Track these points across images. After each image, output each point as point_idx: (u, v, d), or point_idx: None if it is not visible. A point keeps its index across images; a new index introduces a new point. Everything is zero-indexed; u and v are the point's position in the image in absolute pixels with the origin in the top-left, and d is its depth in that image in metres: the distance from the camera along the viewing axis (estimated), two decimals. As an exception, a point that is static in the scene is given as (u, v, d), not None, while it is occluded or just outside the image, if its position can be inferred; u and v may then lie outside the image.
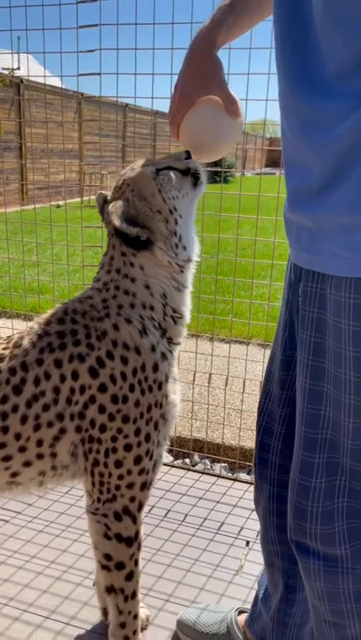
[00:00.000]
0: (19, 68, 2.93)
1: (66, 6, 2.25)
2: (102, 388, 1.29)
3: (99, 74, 2.30)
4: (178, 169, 1.37)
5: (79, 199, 4.03)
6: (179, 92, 1.27)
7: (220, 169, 2.46)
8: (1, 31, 2.40)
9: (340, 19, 0.86)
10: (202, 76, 1.24)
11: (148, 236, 1.32)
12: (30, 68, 2.76)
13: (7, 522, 2.10)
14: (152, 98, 2.33)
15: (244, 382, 2.54)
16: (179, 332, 1.43)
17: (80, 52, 2.30)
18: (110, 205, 1.31)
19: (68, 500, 2.24)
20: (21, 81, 9.65)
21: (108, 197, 1.41)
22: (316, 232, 0.97)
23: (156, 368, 1.35)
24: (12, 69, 2.80)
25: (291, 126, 1.00)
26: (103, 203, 1.44)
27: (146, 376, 1.33)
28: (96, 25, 2.23)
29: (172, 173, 1.35)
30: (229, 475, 2.54)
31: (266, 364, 1.38)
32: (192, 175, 1.38)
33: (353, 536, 1.08)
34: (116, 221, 1.28)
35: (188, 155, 1.38)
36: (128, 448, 1.33)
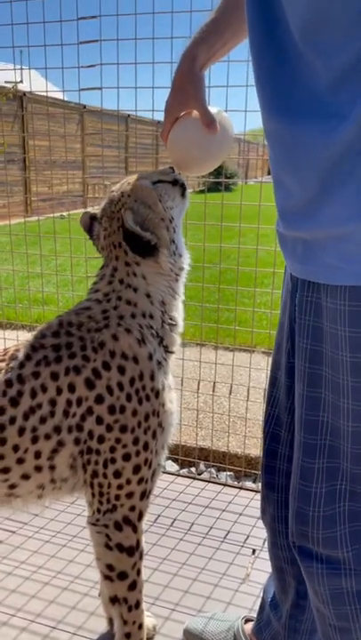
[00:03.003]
0: (22, 82, 2.98)
1: (67, 23, 2.29)
2: (99, 399, 1.31)
3: (100, 88, 2.34)
4: (168, 181, 1.44)
5: (82, 210, 4.06)
6: (165, 107, 1.31)
7: (221, 179, 2.48)
8: (3, 48, 2.44)
9: (319, 46, 0.88)
10: (182, 92, 1.28)
11: (156, 242, 1.36)
12: (33, 82, 2.80)
13: (14, 533, 2.11)
14: (152, 110, 2.37)
15: (248, 390, 2.55)
16: (174, 340, 1.46)
17: (81, 66, 2.34)
18: (122, 213, 1.35)
19: (75, 511, 2.25)
20: (24, 94, 9.77)
21: (98, 214, 1.46)
22: (310, 244, 0.99)
23: (153, 376, 1.37)
24: (16, 83, 2.84)
25: (273, 147, 1.02)
26: (90, 220, 1.48)
27: (143, 385, 1.35)
28: (96, 40, 2.27)
29: (165, 185, 1.43)
30: (235, 483, 2.54)
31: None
32: (180, 186, 1.46)
33: (355, 539, 1.09)
34: (132, 225, 1.32)
35: (172, 169, 1.46)
36: (127, 458, 1.34)
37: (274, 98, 0.98)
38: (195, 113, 1.31)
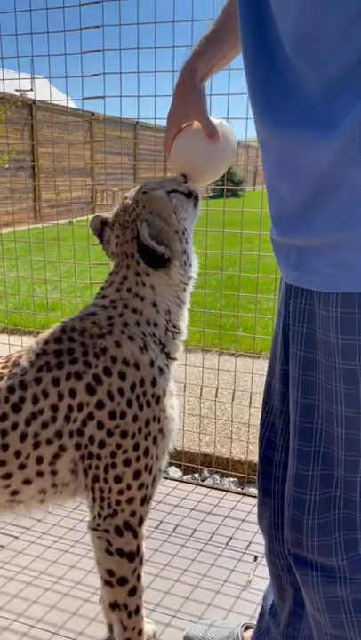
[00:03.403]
0: (32, 89, 3.03)
1: (70, 32, 2.33)
2: (100, 405, 1.32)
3: (103, 97, 2.37)
4: (183, 192, 1.44)
5: (90, 216, 4.09)
6: (167, 119, 1.33)
7: (225, 186, 2.49)
8: (7, 58, 2.47)
9: (309, 57, 0.89)
10: (184, 103, 1.30)
11: (169, 255, 1.37)
12: (43, 90, 2.84)
13: (17, 538, 2.12)
14: (155, 118, 2.40)
15: (250, 396, 2.55)
16: (177, 347, 1.47)
17: (85, 75, 2.36)
18: (139, 226, 1.35)
19: (77, 516, 2.26)
20: (34, 102, 9.87)
21: (110, 219, 1.46)
22: (304, 251, 1.00)
23: (154, 383, 1.37)
24: (25, 91, 2.89)
25: (265, 157, 1.03)
26: (101, 225, 1.49)
27: (144, 391, 1.35)
28: (100, 50, 2.30)
29: (179, 196, 1.43)
30: (238, 489, 2.54)
31: None
32: (193, 198, 1.46)
33: (350, 547, 1.09)
34: (147, 240, 1.33)
35: (185, 179, 1.44)
36: (127, 463, 1.35)
37: (267, 109, 0.99)
38: (197, 124, 1.32)
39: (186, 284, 1.45)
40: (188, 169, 1.39)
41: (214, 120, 1.32)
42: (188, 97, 1.29)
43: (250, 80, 1.02)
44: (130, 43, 2.21)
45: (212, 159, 1.36)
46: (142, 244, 1.35)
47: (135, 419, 1.34)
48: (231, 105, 2.20)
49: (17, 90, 3.01)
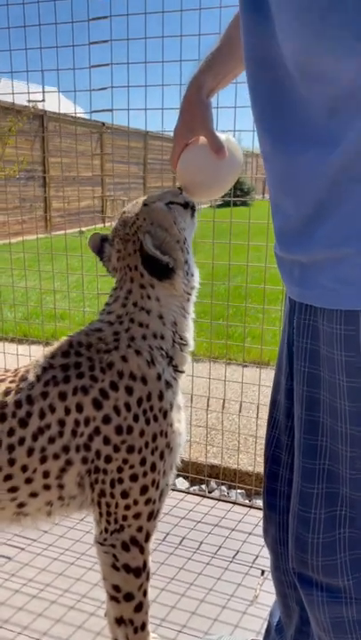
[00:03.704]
0: (44, 100, 3.08)
1: (79, 47, 2.35)
2: (106, 420, 1.32)
3: (111, 110, 2.39)
4: (179, 203, 1.45)
5: (99, 225, 4.12)
6: (174, 134, 1.33)
7: (231, 198, 2.50)
8: (17, 72, 2.50)
9: (312, 74, 0.89)
10: (190, 119, 1.31)
11: (173, 264, 1.37)
12: (53, 101, 2.87)
13: (23, 549, 2.12)
14: (162, 130, 2.41)
15: (258, 407, 2.54)
16: (184, 360, 1.46)
17: (93, 89, 2.39)
18: (142, 237, 1.36)
19: (84, 528, 2.25)
20: (45, 113, 9.96)
21: (109, 236, 1.47)
22: (307, 266, 0.99)
23: (161, 397, 1.37)
24: (36, 102, 2.94)
25: (269, 172, 1.03)
26: (100, 242, 1.50)
27: (151, 405, 1.35)
28: (108, 64, 2.32)
29: (177, 207, 1.44)
30: (245, 501, 2.53)
31: None
32: (190, 208, 1.47)
33: (356, 567, 1.07)
34: (151, 250, 1.34)
35: (181, 190, 1.46)
36: (134, 478, 1.35)
37: (270, 124, 0.99)
38: (203, 139, 1.33)
39: (189, 294, 1.45)
40: (193, 184, 1.40)
41: (221, 135, 1.33)
42: (195, 112, 1.30)
43: (253, 96, 1.02)
44: (138, 56, 2.24)
45: (217, 174, 1.36)
46: (146, 254, 1.35)
47: (142, 433, 1.34)
48: (238, 117, 2.21)
49: (28, 101, 3.04)
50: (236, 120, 2.21)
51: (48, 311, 3.99)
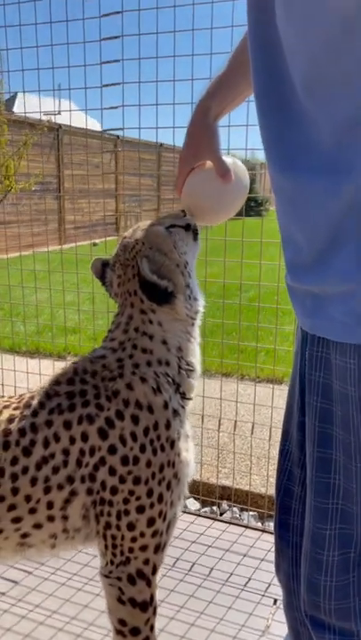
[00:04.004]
0: (59, 113, 3.11)
1: (90, 67, 2.36)
2: (112, 450, 1.29)
3: (122, 128, 2.39)
4: (181, 226, 1.42)
5: (113, 237, 4.13)
6: (180, 158, 1.31)
7: (242, 217, 2.47)
8: (30, 92, 2.51)
9: (321, 100, 0.86)
10: (196, 143, 1.29)
11: (172, 289, 1.34)
12: (67, 115, 2.88)
13: (30, 573, 2.09)
14: (174, 146, 2.41)
15: (270, 430, 2.49)
16: (191, 386, 1.43)
17: (104, 108, 2.39)
18: (139, 262, 1.34)
19: (92, 551, 2.21)
20: (60, 127, 10.06)
21: (110, 261, 1.45)
22: (319, 298, 0.96)
23: (168, 426, 1.34)
24: (52, 114, 2.97)
25: (280, 203, 1.00)
26: (102, 267, 1.47)
27: (158, 435, 1.32)
28: (120, 83, 2.32)
29: (178, 230, 1.41)
30: (258, 525, 2.47)
31: None
32: (192, 231, 1.44)
33: None
34: (148, 275, 1.31)
35: (184, 212, 1.43)
36: (141, 510, 1.31)
37: (280, 154, 0.96)
38: (208, 164, 1.31)
39: (194, 319, 1.42)
40: (199, 209, 1.37)
41: (227, 159, 1.30)
42: (201, 137, 1.27)
43: (262, 124, 1.00)
44: (149, 75, 2.24)
45: (224, 199, 1.34)
46: (144, 279, 1.33)
47: (149, 464, 1.30)
48: (250, 134, 2.19)
49: (44, 113, 3.06)
50: (247, 138, 2.19)
51: (59, 325, 3.98)
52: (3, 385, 3.13)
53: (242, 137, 2.17)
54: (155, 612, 1.40)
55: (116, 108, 2.30)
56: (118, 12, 2.20)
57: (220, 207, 1.36)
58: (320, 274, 0.94)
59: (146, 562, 1.35)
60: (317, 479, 1.03)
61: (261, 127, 1.00)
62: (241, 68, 1.23)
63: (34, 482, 1.29)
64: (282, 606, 1.93)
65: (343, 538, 1.02)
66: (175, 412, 1.37)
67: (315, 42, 0.85)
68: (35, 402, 1.34)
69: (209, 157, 1.29)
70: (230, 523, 2.46)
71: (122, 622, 1.38)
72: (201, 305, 1.45)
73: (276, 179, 0.99)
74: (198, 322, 1.45)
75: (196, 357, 1.44)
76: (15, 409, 1.35)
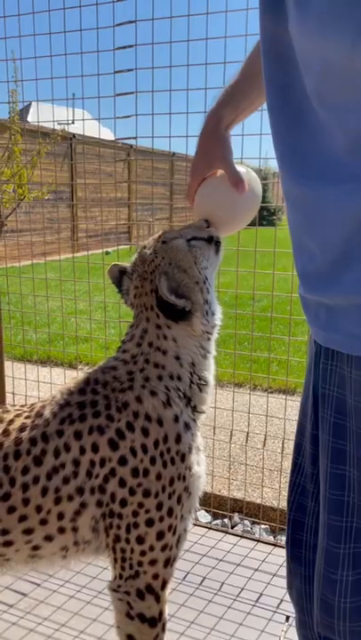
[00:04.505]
0: (73, 122, 3.13)
1: (104, 76, 2.36)
2: (122, 461, 1.27)
3: (135, 137, 2.39)
4: (203, 238, 1.38)
5: (125, 246, 4.13)
6: (190, 168, 1.30)
7: (255, 227, 2.45)
8: (44, 101, 2.53)
9: (334, 108, 0.85)
10: (208, 153, 1.27)
11: (190, 307, 1.32)
12: (80, 124, 2.90)
13: (39, 585, 2.07)
14: (186, 155, 2.40)
15: (283, 442, 2.45)
16: (203, 400, 1.40)
17: (117, 117, 2.39)
18: (158, 280, 1.30)
19: (101, 564, 2.19)
20: (74, 136, 10.15)
21: (128, 269, 1.42)
22: (333, 310, 0.93)
23: (178, 439, 1.31)
24: (65, 123, 2.99)
25: (293, 212, 0.98)
26: (120, 274, 1.45)
27: (168, 447, 1.30)
28: (133, 92, 2.32)
29: (200, 243, 1.37)
30: (270, 539, 2.43)
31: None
32: (215, 243, 1.40)
33: None
34: (167, 295, 1.28)
35: (207, 223, 1.39)
36: (150, 523, 1.29)
37: (293, 163, 0.94)
38: (220, 172, 1.29)
39: (210, 334, 1.38)
40: (211, 219, 1.35)
41: (240, 169, 1.28)
42: (213, 146, 1.26)
43: (275, 133, 0.98)
44: (162, 84, 2.24)
45: (236, 209, 1.31)
46: (161, 298, 1.30)
47: (159, 477, 1.28)
48: (264, 143, 2.18)
49: (58, 122, 3.08)
50: (261, 146, 2.17)
51: (71, 334, 3.98)
52: (14, 393, 3.12)
53: (255, 146, 2.15)
54: (164, 629, 1.37)
55: (129, 117, 2.30)
56: (132, 22, 2.20)
57: (233, 217, 1.34)
58: (333, 285, 0.91)
59: (155, 576, 1.33)
60: (331, 496, 1.00)
61: (274, 136, 0.98)
62: (252, 77, 1.22)
63: (45, 492, 1.27)
64: (294, 623, 1.89)
65: (358, 557, 0.98)
66: (187, 426, 1.34)
67: (328, 48, 0.83)
68: (46, 411, 1.33)
69: (221, 167, 1.27)
70: (242, 536, 2.42)
71: (130, 638, 1.36)
72: (218, 319, 1.41)
73: (288, 188, 0.97)
74: (215, 336, 1.41)
75: (209, 371, 1.41)
76: (27, 418, 1.34)
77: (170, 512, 1.30)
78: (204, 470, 1.40)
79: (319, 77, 0.86)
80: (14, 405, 1.44)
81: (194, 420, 1.38)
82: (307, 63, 0.88)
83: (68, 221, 10.29)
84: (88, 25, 2.35)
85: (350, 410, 0.95)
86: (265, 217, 2.44)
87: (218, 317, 1.41)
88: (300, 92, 0.91)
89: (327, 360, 0.99)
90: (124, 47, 2.32)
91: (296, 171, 0.93)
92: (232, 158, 1.26)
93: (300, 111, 0.91)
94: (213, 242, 1.40)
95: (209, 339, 1.39)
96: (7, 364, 3.11)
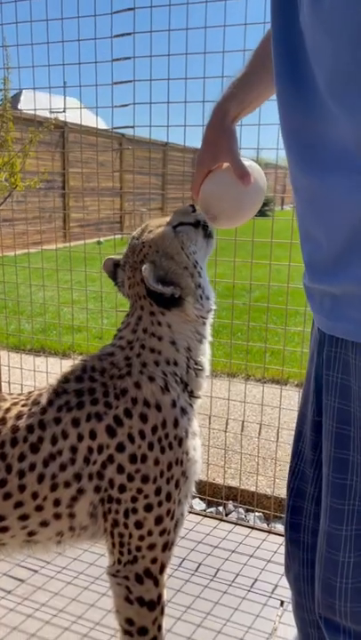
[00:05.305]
0: (64, 111, 3.11)
1: (100, 64, 2.35)
2: (120, 448, 1.28)
3: (133, 126, 2.38)
4: (190, 223, 1.40)
5: (118, 236, 4.12)
6: (196, 161, 1.30)
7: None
8: (37, 89, 2.50)
9: (345, 101, 0.85)
10: (214, 145, 1.27)
11: (180, 293, 1.32)
12: (76, 113, 2.88)
13: (36, 572, 2.08)
14: (184, 145, 2.40)
15: (278, 431, 2.48)
16: (200, 385, 1.42)
17: (115, 106, 2.38)
18: (143, 270, 1.31)
19: (99, 550, 2.21)
20: (65, 124, 10.06)
21: (121, 261, 1.44)
22: (338, 299, 0.95)
23: (176, 424, 1.33)
24: (58, 112, 2.97)
25: (299, 199, 0.99)
26: (114, 267, 1.46)
27: (166, 433, 1.31)
28: (131, 81, 2.31)
29: (186, 228, 1.38)
30: (264, 526, 2.46)
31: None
32: (202, 227, 1.41)
33: None
34: (153, 285, 1.29)
35: (193, 208, 1.41)
36: (148, 508, 1.30)
37: (302, 154, 0.95)
38: (226, 165, 1.29)
39: (205, 318, 1.40)
40: (216, 212, 1.35)
41: (245, 161, 1.28)
42: (219, 139, 1.26)
43: (284, 124, 0.99)
44: (160, 73, 2.23)
45: (242, 202, 1.32)
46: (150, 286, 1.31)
47: (157, 462, 1.30)
48: (262, 134, 2.18)
49: (51, 111, 3.06)
50: (259, 137, 2.18)
51: (66, 323, 3.98)
52: (9, 383, 3.12)
53: (253, 136, 2.16)
54: (162, 612, 1.39)
55: (127, 105, 2.29)
56: (130, 9, 2.19)
57: (238, 209, 1.34)
58: (340, 274, 0.93)
59: (154, 560, 1.34)
60: (334, 480, 1.02)
61: (283, 127, 0.99)
62: (260, 71, 1.22)
63: (41, 479, 1.28)
64: (289, 608, 1.92)
65: (360, 539, 1.01)
66: (183, 411, 1.36)
67: (340, 39, 0.84)
68: (43, 399, 1.34)
69: (227, 159, 1.27)
70: (236, 523, 2.44)
71: (129, 622, 1.38)
72: (213, 303, 1.42)
73: (296, 177, 0.98)
74: (210, 320, 1.43)
75: (205, 356, 1.43)
76: (23, 406, 1.35)
77: (168, 497, 1.32)
78: (200, 455, 1.42)
79: (330, 67, 0.86)
80: (11, 394, 1.44)
81: (190, 405, 1.39)
82: (317, 52, 0.88)
83: (60, 210, 10.22)
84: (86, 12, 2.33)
85: (354, 396, 0.97)
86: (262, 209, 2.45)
87: (212, 302, 1.42)
88: (310, 85, 0.91)
89: (331, 348, 1.01)
90: (122, 35, 2.31)
91: (305, 161, 0.94)
92: (238, 151, 1.27)
93: (310, 102, 0.92)
94: (201, 226, 1.41)
95: (204, 323, 1.40)
96: (2, 354, 3.11)
